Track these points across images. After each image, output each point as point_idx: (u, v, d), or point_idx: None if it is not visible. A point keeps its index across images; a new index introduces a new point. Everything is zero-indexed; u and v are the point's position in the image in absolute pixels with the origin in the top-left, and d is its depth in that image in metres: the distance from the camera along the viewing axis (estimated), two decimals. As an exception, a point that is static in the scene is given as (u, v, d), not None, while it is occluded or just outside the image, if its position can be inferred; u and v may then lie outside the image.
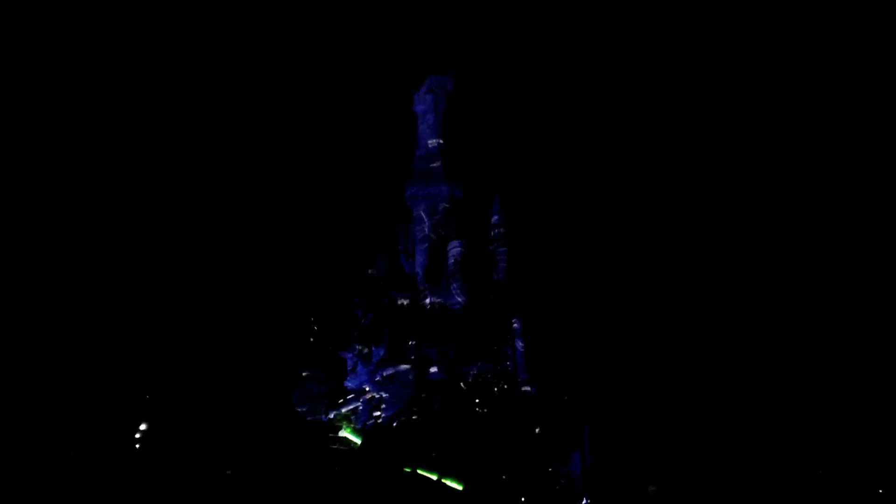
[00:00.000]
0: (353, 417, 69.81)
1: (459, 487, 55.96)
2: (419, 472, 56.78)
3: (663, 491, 60.16)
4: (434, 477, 56.77)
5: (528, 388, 70.29)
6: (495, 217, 79.98)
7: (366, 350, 73.66)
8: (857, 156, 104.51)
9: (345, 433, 66.67)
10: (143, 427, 58.73)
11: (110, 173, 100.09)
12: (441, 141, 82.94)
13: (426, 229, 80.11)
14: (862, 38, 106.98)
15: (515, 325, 74.26)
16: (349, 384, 72.88)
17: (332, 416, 69.99)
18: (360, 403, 70.61)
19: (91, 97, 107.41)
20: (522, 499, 58.93)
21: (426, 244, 79.42)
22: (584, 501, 60.60)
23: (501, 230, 79.69)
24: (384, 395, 69.26)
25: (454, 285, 77.79)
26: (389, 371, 71.04)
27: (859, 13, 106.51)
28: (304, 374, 71.42)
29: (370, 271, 76.33)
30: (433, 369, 72.15)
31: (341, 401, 71.20)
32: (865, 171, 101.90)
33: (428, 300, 77.57)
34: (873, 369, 76.57)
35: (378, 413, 68.27)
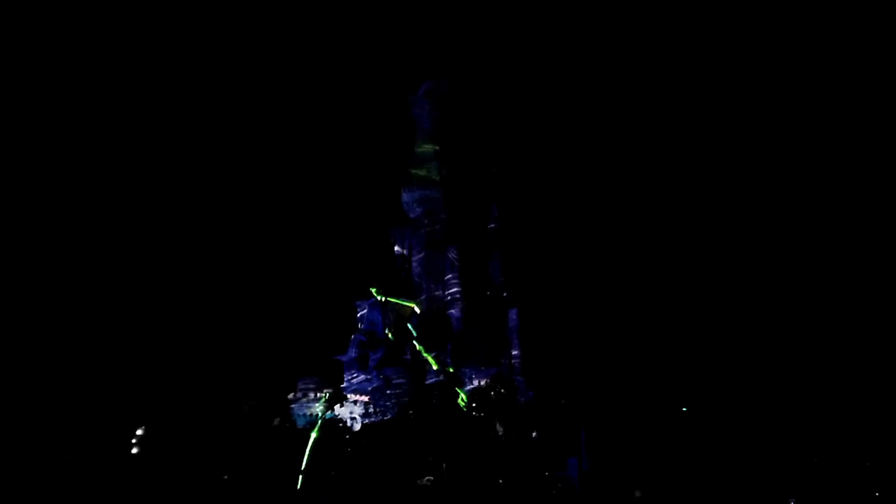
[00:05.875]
0: (348, 420, 69.63)
1: None
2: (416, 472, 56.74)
3: (655, 495, 60.23)
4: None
5: (525, 393, 70.28)
6: (492, 221, 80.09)
7: (363, 353, 73.62)
8: (857, 156, 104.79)
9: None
10: (138, 432, 58.71)
11: (113, 180, 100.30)
12: (437, 146, 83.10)
13: (423, 233, 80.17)
14: (862, 39, 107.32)
15: (512, 328, 74.29)
16: (346, 387, 72.77)
17: (328, 418, 69.75)
18: (357, 406, 70.51)
19: (92, 98, 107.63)
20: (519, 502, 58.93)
21: (423, 248, 79.46)
22: None
23: (498, 233, 79.83)
24: (381, 399, 69.12)
25: (451, 289, 77.87)
26: (386, 374, 70.97)
27: (859, 13, 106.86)
28: (300, 377, 71.26)
29: (367, 275, 76.46)
30: (430, 373, 72.17)
31: (338, 405, 70.99)
32: (865, 172, 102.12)
33: (425, 303, 77.68)
34: (873, 370, 76.73)
35: (375, 416, 68.10)
